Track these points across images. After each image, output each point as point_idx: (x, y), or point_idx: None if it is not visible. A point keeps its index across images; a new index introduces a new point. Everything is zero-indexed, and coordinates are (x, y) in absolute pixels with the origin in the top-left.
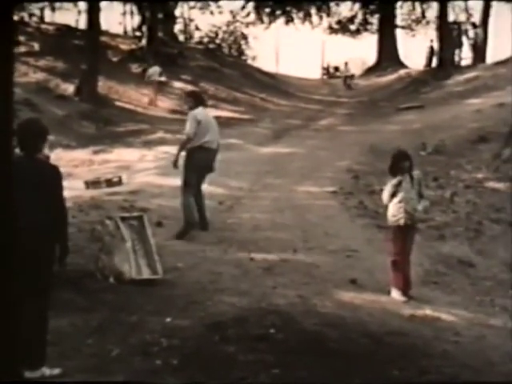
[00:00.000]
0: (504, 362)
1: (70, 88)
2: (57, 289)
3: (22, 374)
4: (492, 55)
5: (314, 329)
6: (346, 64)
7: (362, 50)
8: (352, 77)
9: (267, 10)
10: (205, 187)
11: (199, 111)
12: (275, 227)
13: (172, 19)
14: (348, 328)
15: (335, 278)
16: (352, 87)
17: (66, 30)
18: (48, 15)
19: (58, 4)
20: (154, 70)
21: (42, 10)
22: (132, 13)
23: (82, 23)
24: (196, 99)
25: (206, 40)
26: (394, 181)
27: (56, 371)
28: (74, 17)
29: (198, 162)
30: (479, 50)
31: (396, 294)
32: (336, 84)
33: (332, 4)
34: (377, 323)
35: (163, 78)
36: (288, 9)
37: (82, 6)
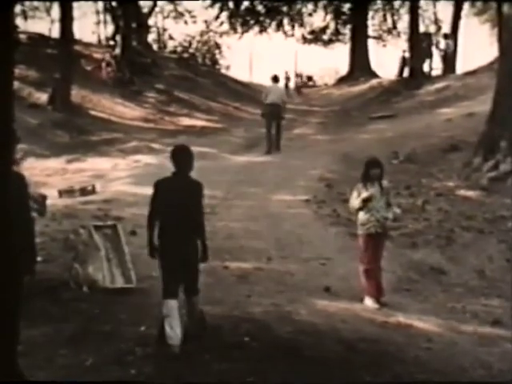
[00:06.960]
0: (475, 368)
1: (43, 97)
2: (29, 298)
3: (22, 374)
4: (462, 66)
5: (288, 336)
6: (300, 75)
7: (334, 60)
8: (303, 85)
9: (240, 19)
10: None
11: (269, 85)
12: (249, 235)
13: (146, 28)
14: (322, 335)
15: (309, 286)
16: (302, 93)
17: (38, 39)
18: (20, 24)
19: (30, 12)
20: None
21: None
22: (106, 22)
23: (55, 32)
24: (271, 79)
25: (179, 49)
26: (365, 195)
27: None
28: (46, 25)
29: (265, 111)
30: (449, 60)
31: (369, 302)
32: (309, 93)
33: (305, 14)
34: (350, 330)
35: (136, 88)
36: (261, 18)
37: (55, 14)
